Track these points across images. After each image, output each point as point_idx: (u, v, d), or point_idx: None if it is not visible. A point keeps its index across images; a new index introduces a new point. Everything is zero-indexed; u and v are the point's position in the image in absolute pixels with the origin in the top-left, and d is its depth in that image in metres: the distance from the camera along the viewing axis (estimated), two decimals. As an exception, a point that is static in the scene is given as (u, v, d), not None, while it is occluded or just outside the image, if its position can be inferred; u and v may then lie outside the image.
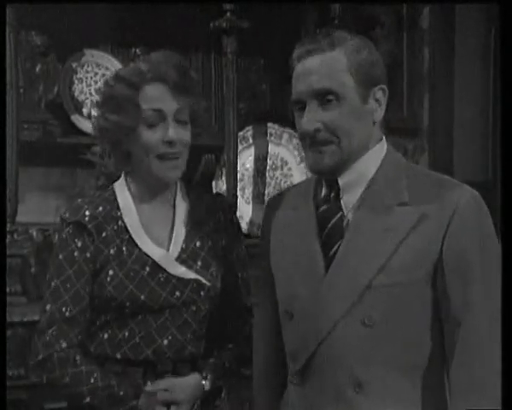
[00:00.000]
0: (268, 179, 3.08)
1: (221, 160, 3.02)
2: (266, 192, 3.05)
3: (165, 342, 1.80)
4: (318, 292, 1.61)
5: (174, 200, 1.88)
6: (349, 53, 1.61)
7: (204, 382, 1.83)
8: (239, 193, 2.93)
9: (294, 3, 3.07)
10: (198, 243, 1.86)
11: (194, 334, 1.84)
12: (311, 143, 1.62)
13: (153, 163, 1.78)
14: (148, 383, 1.79)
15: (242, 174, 3.04)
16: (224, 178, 2.98)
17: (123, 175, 1.88)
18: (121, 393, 1.75)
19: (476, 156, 3.53)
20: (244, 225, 2.89)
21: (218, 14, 2.81)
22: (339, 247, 1.62)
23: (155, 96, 1.78)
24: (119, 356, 1.80)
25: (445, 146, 3.47)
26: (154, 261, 1.80)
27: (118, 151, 1.84)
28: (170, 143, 1.77)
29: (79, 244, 1.80)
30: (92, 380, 1.75)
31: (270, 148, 3.07)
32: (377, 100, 1.64)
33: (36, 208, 2.81)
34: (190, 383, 1.81)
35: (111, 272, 1.78)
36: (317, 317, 1.61)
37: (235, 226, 1.97)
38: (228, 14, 2.79)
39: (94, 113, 1.91)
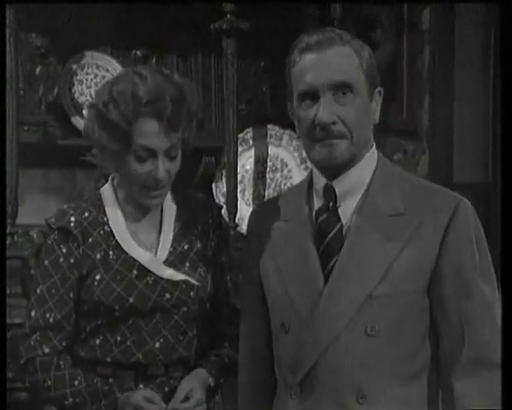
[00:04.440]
0: (268, 181, 3.08)
1: (221, 161, 3.02)
2: (266, 194, 3.05)
3: (157, 344, 1.80)
4: (318, 303, 1.60)
5: (162, 203, 1.87)
6: (358, 50, 1.61)
7: (210, 378, 1.84)
8: (239, 195, 2.93)
9: (295, 5, 3.07)
10: (186, 246, 1.86)
11: (185, 336, 1.84)
12: (323, 136, 1.60)
13: (137, 190, 1.79)
14: (142, 387, 1.79)
15: (242, 176, 3.04)
16: (224, 179, 2.98)
17: (110, 179, 1.88)
18: (105, 388, 1.76)
19: (476, 158, 3.52)
20: (244, 227, 2.89)
21: (219, 15, 2.81)
22: (338, 258, 1.61)
23: (148, 133, 1.73)
24: (109, 360, 1.80)
25: (445, 147, 3.46)
26: (141, 264, 1.81)
27: (105, 155, 1.82)
28: (158, 180, 1.77)
29: (64, 250, 1.80)
30: (76, 382, 1.76)
31: (270, 149, 3.07)
32: (376, 101, 1.65)
33: (36, 210, 2.80)
34: (201, 379, 1.82)
35: (98, 277, 1.79)
36: (318, 328, 1.59)
37: (224, 229, 1.98)
38: (228, 15, 2.79)
39: (85, 113, 1.89)
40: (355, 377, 1.59)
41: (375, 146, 1.69)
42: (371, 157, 1.67)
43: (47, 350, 1.78)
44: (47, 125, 2.85)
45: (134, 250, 1.82)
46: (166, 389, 1.81)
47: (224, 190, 2.95)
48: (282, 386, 1.69)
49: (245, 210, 2.97)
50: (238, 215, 2.88)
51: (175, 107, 1.73)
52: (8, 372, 2.22)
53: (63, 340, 1.80)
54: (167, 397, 1.80)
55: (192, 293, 1.83)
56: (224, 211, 2.92)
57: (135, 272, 1.80)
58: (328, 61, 1.59)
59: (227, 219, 2.88)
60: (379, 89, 1.66)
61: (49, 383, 1.76)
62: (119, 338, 1.79)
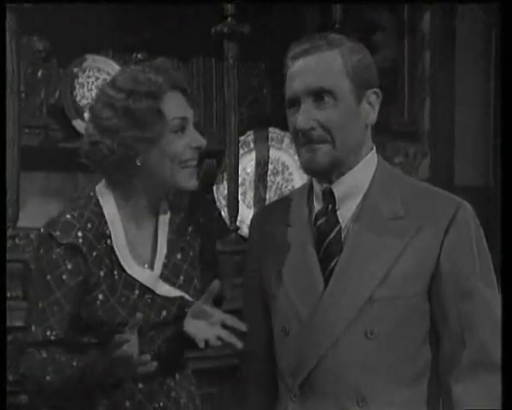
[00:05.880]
0: (269, 184, 3.08)
1: (222, 164, 3.02)
2: (267, 197, 3.05)
3: (151, 353, 1.77)
4: (318, 307, 1.60)
5: (158, 209, 1.84)
6: (345, 54, 1.61)
7: None
8: (240, 198, 2.93)
9: (296, 8, 3.07)
10: (179, 255, 1.84)
11: (177, 345, 1.82)
12: (305, 141, 1.62)
13: (176, 171, 1.75)
14: (141, 386, 1.77)
15: (243, 179, 3.04)
16: (225, 182, 2.98)
17: (104, 182, 1.82)
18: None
19: (477, 160, 3.53)
20: (245, 230, 2.89)
21: (220, 18, 2.81)
22: (337, 261, 1.61)
23: (177, 104, 1.76)
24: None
25: (446, 150, 3.47)
26: (141, 284, 1.78)
27: (124, 165, 1.76)
28: (198, 148, 1.77)
29: (69, 266, 1.73)
30: (74, 363, 1.70)
31: (271, 152, 3.07)
32: (370, 103, 1.64)
33: (37, 213, 2.80)
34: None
35: (101, 296, 1.75)
36: (318, 332, 1.60)
37: (212, 227, 1.98)
38: (229, 18, 2.80)
39: (95, 136, 1.78)
40: (355, 381, 1.59)
41: (375, 149, 1.69)
42: (370, 160, 1.67)
43: (44, 355, 1.74)
44: (48, 128, 2.85)
45: (133, 269, 1.78)
46: (164, 387, 1.82)
47: (225, 192, 2.95)
48: (283, 389, 1.70)
49: (246, 213, 2.97)
50: (239, 218, 2.88)
51: (187, 78, 1.79)
52: (9, 375, 2.22)
53: (61, 351, 1.75)
54: (164, 395, 1.81)
55: (187, 309, 1.81)
56: (223, 213, 2.94)
57: (136, 292, 1.78)
58: (308, 67, 1.61)
59: (228, 222, 2.89)
60: (374, 90, 1.65)
61: (49, 378, 1.71)
62: None
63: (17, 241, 2.57)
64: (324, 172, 1.64)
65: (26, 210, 2.71)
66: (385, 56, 3.29)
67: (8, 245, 2.49)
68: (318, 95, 1.60)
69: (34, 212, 2.79)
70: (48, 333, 1.73)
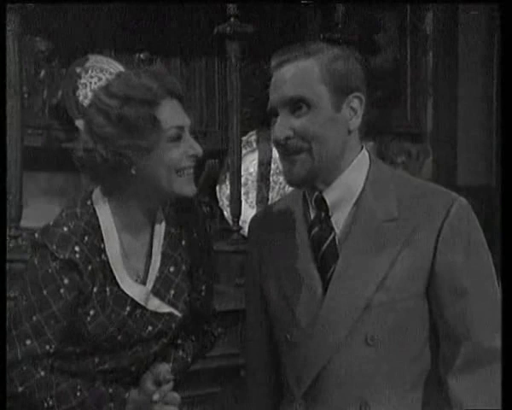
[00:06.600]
0: (272, 184, 3.08)
1: (225, 164, 3.03)
2: (270, 196, 3.05)
3: (133, 368, 1.80)
4: (318, 315, 1.60)
5: (154, 219, 1.80)
6: (323, 62, 1.58)
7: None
8: (243, 198, 2.94)
9: (298, 8, 3.08)
10: (172, 268, 1.81)
11: (161, 357, 1.83)
12: (283, 151, 1.61)
13: (173, 179, 1.70)
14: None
15: (246, 179, 3.04)
16: (227, 182, 2.98)
17: (100, 191, 1.77)
18: (110, 390, 1.73)
19: (480, 161, 3.52)
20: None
21: (222, 18, 2.82)
22: (335, 268, 1.60)
23: (174, 113, 1.70)
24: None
25: (449, 150, 3.46)
26: (133, 299, 1.75)
27: (119, 173, 1.71)
28: (195, 157, 1.72)
29: (66, 281, 1.68)
30: (78, 393, 1.70)
31: (274, 152, 3.07)
32: (352, 108, 1.61)
33: (40, 213, 2.79)
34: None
35: (92, 312, 1.71)
36: (319, 340, 1.60)
37: (207, 238, 1.92)
38: (232, 18, 2.80)
39: (89, 144, 1.74)
40: (357, 388, 1.59)
41: (364, 149, 1.67)
42: (361, 162, 1.65)
43: (42, 373, 1.69)
44: (51, 128, 2.85)
45: (126, 284, 1.74)
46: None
47: (228, 192, 2.95)
48: (288, 396, 1.70)
49: (249, 213, 2.97)
50: (242, 218, 2.89)
51: (181, 84, 1.75)
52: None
53: (54, 361, 1.73)
54: None
55: (174, 325, 1.80)
56: (226, 213, 2.95)
57: (128, 308, 1.75)
58: (282, 78, 1.60)
59: (230, 222, 2.89)
60: (356, 94, 1.61)
61: (51, 402, 1.68)
62: (97, 360, 1.77)
63: (20, 241, 2.57)
64: (305, 183, 1.63)
65: (28, 210, 2.71)
66: (387, 57, 3.29)
67: (10, 245, 2.50)
68: (294, 104, 1.58)
69: (37, 212, 2.80)
70: (47, 347, 1.69)
